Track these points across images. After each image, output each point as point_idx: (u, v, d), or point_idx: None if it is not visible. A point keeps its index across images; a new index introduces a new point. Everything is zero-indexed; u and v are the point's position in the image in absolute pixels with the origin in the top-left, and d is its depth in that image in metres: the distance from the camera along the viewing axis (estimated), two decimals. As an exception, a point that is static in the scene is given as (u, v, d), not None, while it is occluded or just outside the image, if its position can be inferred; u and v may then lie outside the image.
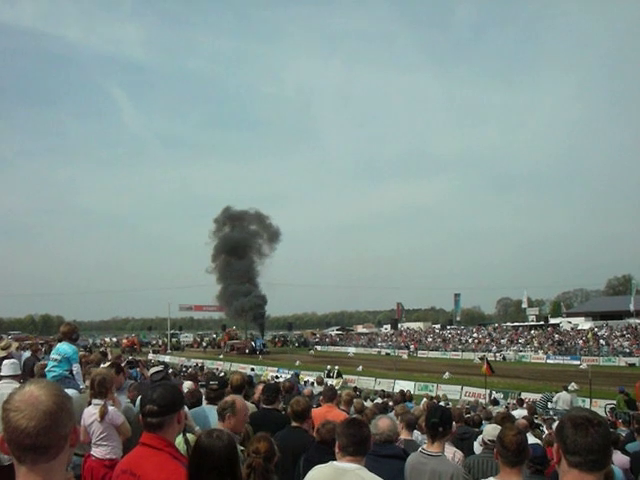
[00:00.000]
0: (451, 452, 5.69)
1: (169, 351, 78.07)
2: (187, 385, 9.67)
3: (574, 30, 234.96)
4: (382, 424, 4.87)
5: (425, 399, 19.04)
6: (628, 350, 57.29)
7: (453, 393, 31.35)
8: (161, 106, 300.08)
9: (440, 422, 4.77)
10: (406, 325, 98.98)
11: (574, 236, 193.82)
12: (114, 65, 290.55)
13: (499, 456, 4.08)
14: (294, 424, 5.98)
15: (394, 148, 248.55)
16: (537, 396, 27.57)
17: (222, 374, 22.53)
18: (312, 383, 23.71)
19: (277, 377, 32.61)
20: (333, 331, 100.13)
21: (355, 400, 9.65)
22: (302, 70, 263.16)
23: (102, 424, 5.58)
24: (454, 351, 70.91)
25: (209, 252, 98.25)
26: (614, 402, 23.70)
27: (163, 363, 32.54)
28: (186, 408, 4.70)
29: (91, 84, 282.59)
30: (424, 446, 4.95)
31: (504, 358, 61.11)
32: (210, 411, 5.82)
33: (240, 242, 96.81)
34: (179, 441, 4.02)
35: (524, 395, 27.86)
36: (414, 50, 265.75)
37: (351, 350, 79.00)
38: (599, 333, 65.20)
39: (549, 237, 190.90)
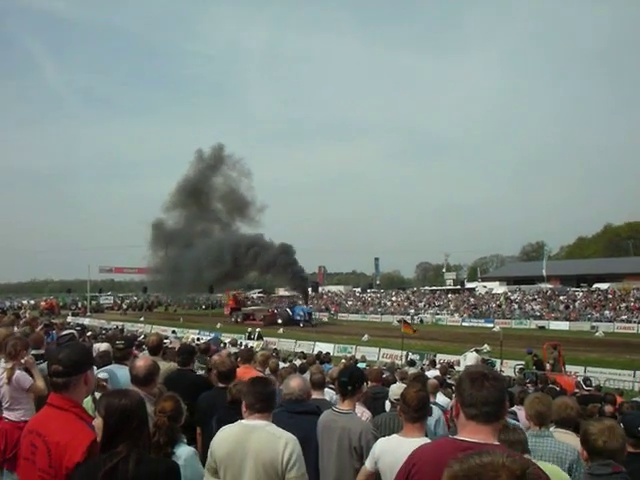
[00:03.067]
0: (360, 411, 5.85)
1: (89, 314, 76.22)
2: (103, 347, 9.54)
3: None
4: (293, 383, 4.97)
5: (343, 360, 19.43)
6: (539, 313, 59.86)
7: (371, 355, 31.95)
8: (83, 62, 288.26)
9: (349, 381, 4.92)
10: (327, 288, 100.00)
11: (493, 203, 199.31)
12: (33, 18, 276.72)
13: (402, 413, 4.25)
14: (220, 385, 6.05)
15: (320, 111, 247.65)
16: (452, 357, 28.51)
17: (143, 337, 22.33)
18: (225, 345, 23.70)
19: (198, 339, 32.48)
20: (255, 294, 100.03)
21: (270, 361, 9.76)
22: (229, 29, 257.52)
23: (10, 387, 5.48)
24: (374, 314, 72.26)
25: (134, 215, 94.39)
26: (523, 363, 24.77)
27: (81, 325, 31.88)
28: (95, 369, 4.67)
29: (7, 39, 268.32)
30: (337, 404, 5.10)
31: (421, 321, 62.56)
32: (119, 370, 5.79)
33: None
34: (87, 401, 3.99)
35: (439, 357, 28.73)
36: (342, 11, 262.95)
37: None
38: (512, 297, 67.80)
39: (469, 204, 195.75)
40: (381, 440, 4.27)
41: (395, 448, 3.93)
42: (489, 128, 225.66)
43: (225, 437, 3.81)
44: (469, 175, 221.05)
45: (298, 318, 61.24)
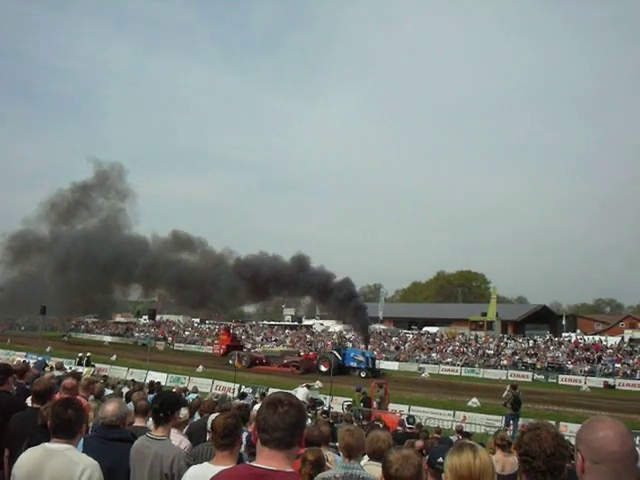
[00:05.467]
0: (178, 440, 5.83)
1: None
2: None
3: (360, 47, 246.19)
4: (108, 407, 4.90)
5: (175, 390, 19.06)
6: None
7: (204, 386, 31.57)
8: None
9: (161, 408, 4.92)
10: (166, 317, 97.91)
11: (334, 242, 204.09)
12: None
13: (212, 440, 4.30)
14: (35, 405, 5.80)
15: (178, 140, 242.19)
16: (283, 391, 28.72)
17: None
18: (51, 368, 22.60)
19: (25, 362, 30.64)
20: (90, 318, 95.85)
21: (95, 386, 9.51)
22: (90, 46, 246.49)
23: None
24: (210, 345, 71.36)
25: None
26: (351, 400, 25.46)
27: None
28: None
29: None
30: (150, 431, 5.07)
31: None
32: None
33: None
34: None
35: (272, 390, 28.84)
36: (211, 44, 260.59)
37: (107, 339, 76.79)
38: (347, 335, 69.60)
39: (312, 241, 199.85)
40: (193, 467, 4.29)
41: (203, 475, 3.96)
42: (340, 172, 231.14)
43: (25, 461, 3.71)
44: (316, 213, 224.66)
45: (354, 364, 47.94)
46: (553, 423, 17.35)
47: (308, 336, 73.00)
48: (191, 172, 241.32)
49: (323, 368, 45.48)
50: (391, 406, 26.82)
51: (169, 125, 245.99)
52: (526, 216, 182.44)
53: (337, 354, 48.37)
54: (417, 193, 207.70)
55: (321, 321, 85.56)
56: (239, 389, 29.12)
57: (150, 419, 7.33)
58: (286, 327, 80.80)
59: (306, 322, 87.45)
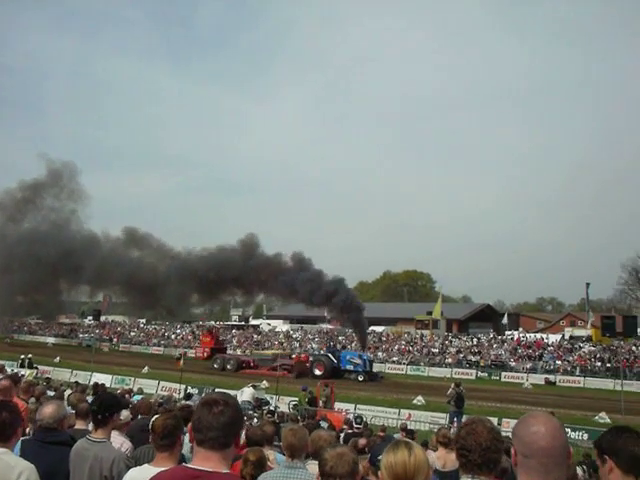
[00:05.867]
0: (120, 442, 5.77)
1: None
2: None
3: (311, 45, 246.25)
4: (46, 410, 4.83)
5: (119, 392, 18.79)
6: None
7: (150, 387, 31.22)
8: None
9: (99, 409, 4.87)
10: (111, 318, 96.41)
11: (287, 242, 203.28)
12: None
13: (152, 442, 4.27)
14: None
15: (119, 137, 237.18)
16: (230, 392, 28.60)
17: None
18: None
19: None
20: (33, 319, 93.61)
21: (36, 388, 9.36)
22: (31, 41, 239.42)
23: None
24: (156, 346, 70.84)
25: None
26: (297, 399, 25.53)
27: None
28: None
29: None
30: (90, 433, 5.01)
31: (205, 355, 62.39)
32: None
33: None
34: None
35: (218, 390, 28.72)
36: (157, 41, 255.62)
37: (50, 340, 75.41)
38: (294, 335, 69.72)
39: (264, 241, 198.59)
40: (132, 469, 4.26)
41: (142, 478, 3.92)
42: (286, 170, 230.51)
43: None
44: (268, 213, 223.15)
45: (350, 368, 45.69)
46: (495, 420, 17.71)
47: (256, 336, 72.83)
48: (141, 169, 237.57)
49: (317, 371, 44.03)
50: (337, 405, 26.98)
51: (115, 122, 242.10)
52: (472, 216, 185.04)
53: (332, 357, 46.31)
54: (364, 193, 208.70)
55: (268, 321, 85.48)
56: (185, 390, 28.89)
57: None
58: (233, 327, 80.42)
59: (253, 322, 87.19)
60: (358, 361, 45.44)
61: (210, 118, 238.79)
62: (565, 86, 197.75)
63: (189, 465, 2.70)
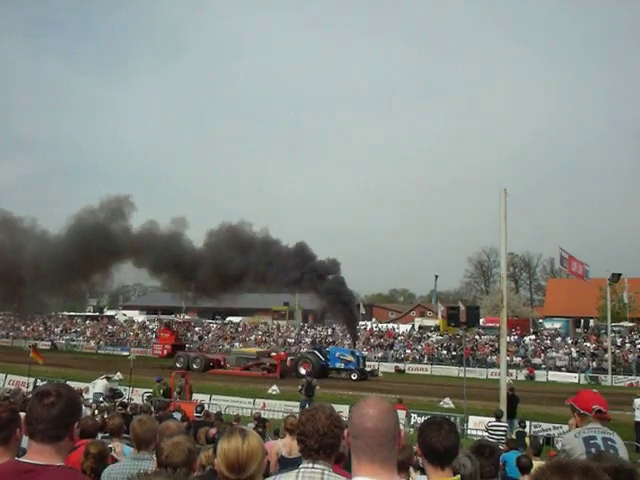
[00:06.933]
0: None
1: None
2: None
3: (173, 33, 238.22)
4: None
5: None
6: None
7: (-6, 381, 29.86)
8: None
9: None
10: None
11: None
12: None
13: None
14: None
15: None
16: (82, 384, 27.77)
17: None
18: None
19: None
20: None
21: None
22: None
23: None
24: (5, 338, 67.78)
25: None
26: (151, 390, 25.30)
27: None
28: None
29: None
30: None
31: (55, 347, 61.10)
32: None
33: None
34: None
35: (70, 384, 27.62)
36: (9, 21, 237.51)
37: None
38: (150, 326, 68.56)
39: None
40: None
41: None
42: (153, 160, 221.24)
43: None
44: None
45: (341, 366, 41.96)
46: (347, 408, 18.31)
47: (110, 327, 70.87)
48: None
49: (303, 370, 39.40)
50: (194, 396, 26.86)
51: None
52: (333, 213, 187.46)
53: (319, 354, 42.48)
54: (218, 184, 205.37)
55: (124, 311, 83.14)
56: (34, 383, 27.79)
57: None
58: (87, 318, 77.65)
59: (108, 312, 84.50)
60: (350, 358, 42.12)
61: (64, 101, 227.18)
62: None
63: (21, 459, 2.63)
